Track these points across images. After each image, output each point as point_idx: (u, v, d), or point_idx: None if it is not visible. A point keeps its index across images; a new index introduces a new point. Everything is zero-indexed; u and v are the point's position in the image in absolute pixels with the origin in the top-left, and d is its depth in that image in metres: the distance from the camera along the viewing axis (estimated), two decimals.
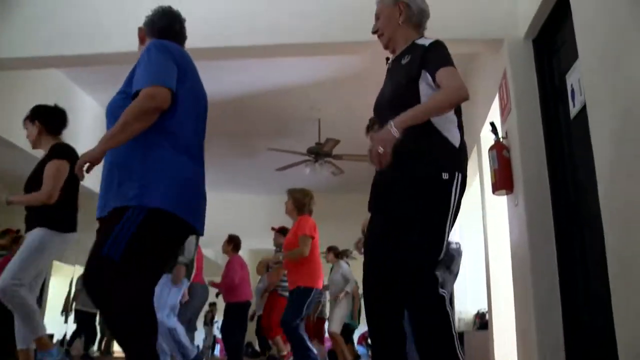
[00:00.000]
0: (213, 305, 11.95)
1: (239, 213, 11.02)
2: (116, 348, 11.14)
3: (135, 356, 2.03)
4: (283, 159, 8.63)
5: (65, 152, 3.66)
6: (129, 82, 2.24)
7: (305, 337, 4.72)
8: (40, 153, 3.81)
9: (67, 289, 10.91)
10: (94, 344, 10.22)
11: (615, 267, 2.52)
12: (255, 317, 8.43)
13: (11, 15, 4.61)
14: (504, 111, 4.25)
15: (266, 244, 8.15)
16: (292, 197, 5.05)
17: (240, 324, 6.60)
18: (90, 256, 2.07)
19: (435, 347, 2.16)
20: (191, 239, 4.73)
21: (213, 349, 12.97)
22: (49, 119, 3.80)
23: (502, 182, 4.09)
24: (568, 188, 3.60)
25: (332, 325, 6.88)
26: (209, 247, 9.91)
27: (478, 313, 6.26)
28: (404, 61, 2.33)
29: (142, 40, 2.52)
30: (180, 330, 4.65)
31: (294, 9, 4.39)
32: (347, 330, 8.23)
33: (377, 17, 2.52)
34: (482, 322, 5.94)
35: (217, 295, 7.29)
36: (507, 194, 4.16)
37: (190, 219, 2.19)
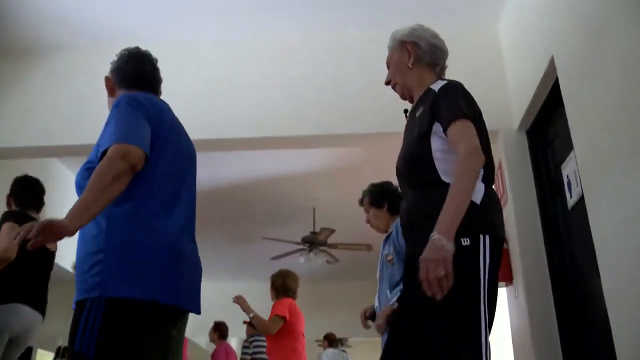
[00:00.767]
0: None
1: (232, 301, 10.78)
2: None
3: None
4: (278, 247, 8.55)
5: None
6: (97, 149, 1.91)
7: None
8: None
9: None
10: None
11: None
12: None
13: (4, 105, 4.68)
14: (501, 202, 4.24)
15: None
16: (270, 281, 4.90)
17: None
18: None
19: None
20: None
21: None
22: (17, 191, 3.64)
23: (501, 273, 4.00)
24: (569, 280, 3.53)
25: None
26: (201, 336, 9.63)
27: None
28: (418, 113, 2.05)
29: (111, 92, 2.20)
30: None
31: (293, 103, 4.47)
32: None
33: (388, 66, 2.26)
34: None
35: None
36: (506, 285, 4.08)
37: (168, 298, 1.84)
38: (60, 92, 4.70)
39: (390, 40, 2.25)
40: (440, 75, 2.16)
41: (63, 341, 9.69)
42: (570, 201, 3.30)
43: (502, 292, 4.27)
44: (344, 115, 4.37)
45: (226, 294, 11.12)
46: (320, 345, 9.46)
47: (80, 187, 1.88)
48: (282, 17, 4.48)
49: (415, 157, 1.98)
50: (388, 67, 2.25)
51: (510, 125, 4.17)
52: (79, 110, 4.58)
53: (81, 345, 1.74)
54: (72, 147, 4.64)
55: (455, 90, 1.99)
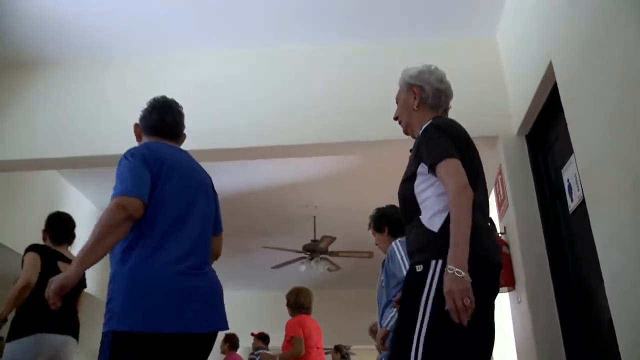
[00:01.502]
0: None
1: (234, 310, 10.78)
2: None
3: None
4: (279, 256, 8.54)
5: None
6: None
7: None
8: None
9: None
10: None
11: None
12: None
13: (5, 118, 4.68)
14: (501, 207, 4.24)
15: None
16: (285, 299, 5.28)
17: None
18: None
19: None
20: None
21: None
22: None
23: (504, 279, 4.00)
24: (571, 284, 3.52)
25: None
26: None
27: None
28: (411, 153, 2.22)
29: (138, 138, 2.50)
30: None
31: (292, 112, 4.48)
32: None
33: (397, 102, 2.42)
34: None
35: None
36: (509, 290, 4.07)
37: (174, 328, 2.01)
38: (59, 104, 4.70)
39: (400, 78, 2.40)
40: (442, 117, 2.29)
41: None
42: (572, 205, 3.29)
43: (505, 298, 4.26)
44: (344, 124, 4.38)
45: (227, 302, 11.16)
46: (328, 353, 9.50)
47: None
48: (284, 28, 4.50)
49: (405, 196, 2.14)
50: (397, 103, 2.41)
51: (509, 130, 4.17)
52: (77, 123, 4.59)
53: None
54: (71, 159, 4.64)
55: (435, 130, 2.11)
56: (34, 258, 3.66)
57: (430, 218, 2.00)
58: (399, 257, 3.11)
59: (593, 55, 2.72)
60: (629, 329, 2.43)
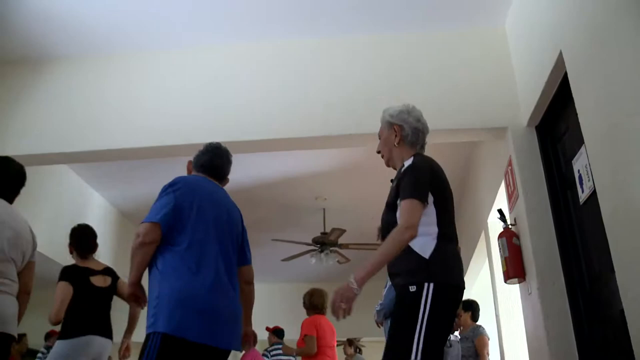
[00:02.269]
0: None
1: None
2: None
3: None
4: (288, 248, 8.55)
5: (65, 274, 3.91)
6: None
7: None
8: None
9: None
10: None
11: None
12: None
13: (18, 113, 4.70)
14: (511, 198, 4.22)
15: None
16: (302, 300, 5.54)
17: None
18: None
19: None
20: None
21: None
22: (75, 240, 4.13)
23: (514, 270, 3.99)
24: (583, 275, 3.50)
25: None
26: None
27: None
28: (393, 184, 2.45)
29: (188, 172, 2.86)
30: None
31: (300, 104, 4.47)
32: None
33: (379, 137, 2.65)
34: None
35: None
36: (519, 282, 4.05)
37: (203, 339, 2.33)
38: (69, 99, 4.72)
39: (382, 115, 2.65)
40: (419, 153, 2.52)
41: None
42: (582, 196, 3.27)
43: (515, 289, 4.25)
44: (351, 116, 4.36)
45: None
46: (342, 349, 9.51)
47: None
48: (288, 21, 4.49)
49: (387, 224, 2.40)
50: (379, 138, 2.65)
51: (519, 121, 4.14)
52: (87, 118, 4.61)
53: None
54: (81, 154, 4.66)
55: (415, 170, 2.37)
56: (65, 289, 3.82)
57: (422, 246, 2.26)
58: None
59: (604, 44, 2.69)
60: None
